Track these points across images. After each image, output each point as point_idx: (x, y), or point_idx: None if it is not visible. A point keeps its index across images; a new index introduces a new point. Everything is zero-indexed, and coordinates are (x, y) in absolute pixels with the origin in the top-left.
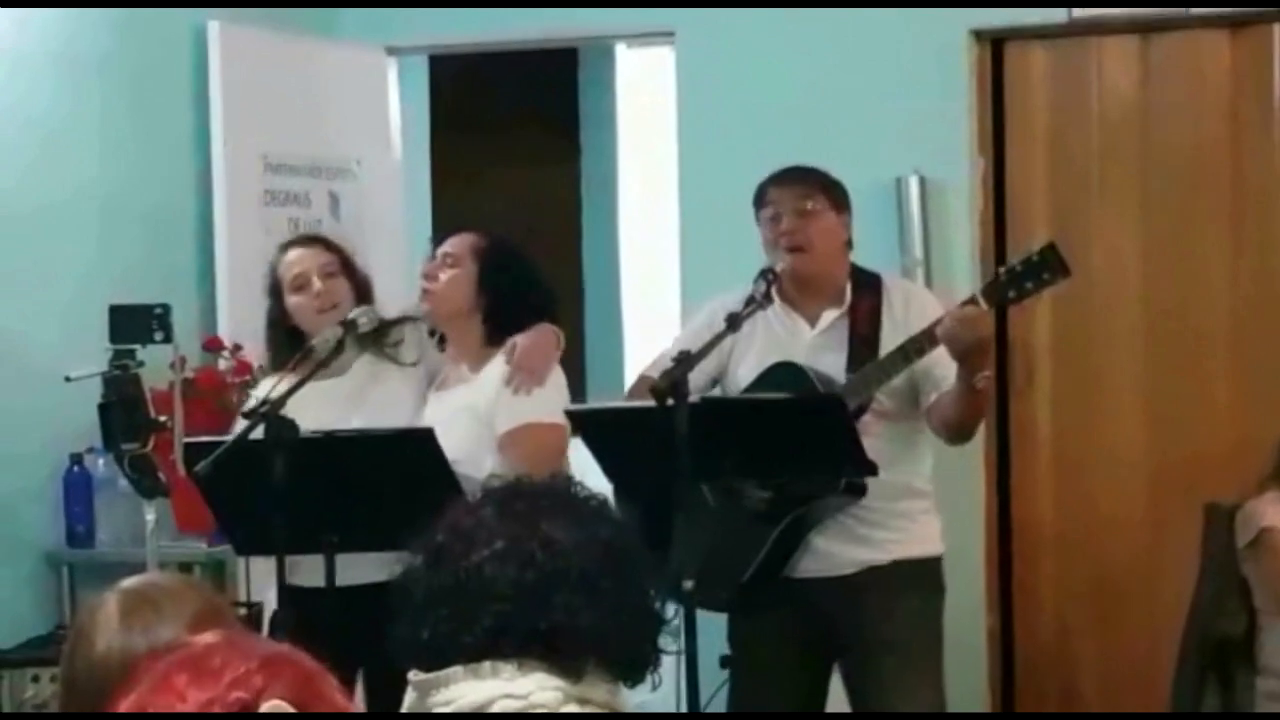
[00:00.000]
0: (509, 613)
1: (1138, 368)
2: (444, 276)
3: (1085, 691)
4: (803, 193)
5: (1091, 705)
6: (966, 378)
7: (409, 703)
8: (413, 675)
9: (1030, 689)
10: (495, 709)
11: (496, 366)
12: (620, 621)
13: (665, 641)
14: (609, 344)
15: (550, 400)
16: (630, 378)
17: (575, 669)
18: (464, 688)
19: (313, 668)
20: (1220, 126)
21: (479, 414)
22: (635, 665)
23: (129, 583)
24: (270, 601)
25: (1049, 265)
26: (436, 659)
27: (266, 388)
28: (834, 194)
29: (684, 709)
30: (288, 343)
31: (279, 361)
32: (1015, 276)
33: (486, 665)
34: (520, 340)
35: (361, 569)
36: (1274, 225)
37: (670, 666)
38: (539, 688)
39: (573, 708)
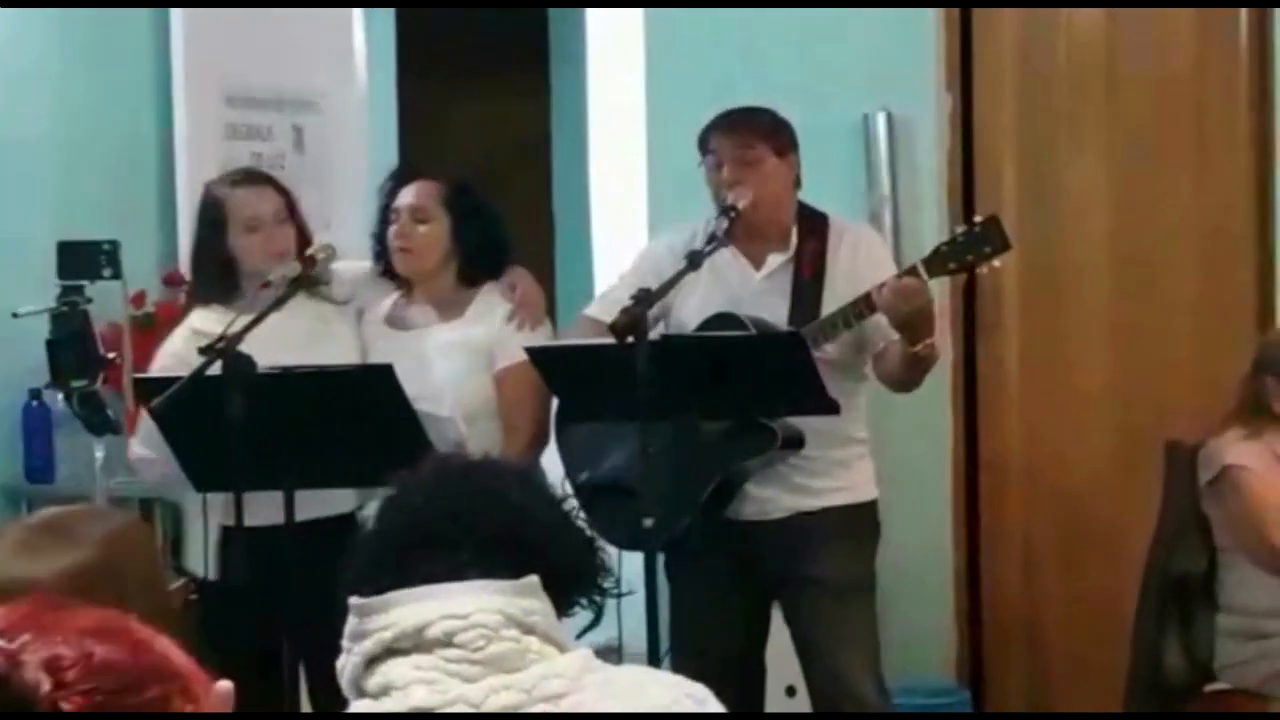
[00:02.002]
0: (441, 527)
1: (1105, 307)
2: (419, 233)
3: (1051, 629)
4: (744, 140)
5: (1057, 643)
6: (908, 344)
7: (349, 628)
8: (353, 600)
9: (996, 626)
10: (434, 631)
11: (488, 305)
12: (556, 539)
13: (607, 578)
14: (579, 279)
15: (549, 336)
16: None
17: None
18: (403, 611)
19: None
20: (1186, 65)
21: (472, 348)
22: (574, 587)
23: (38, 513)
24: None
25: (990, 237)
26: (374, 580)
27: (201, 319)
28: (778, 137)
29: (645, 649)
30: (222, 277)
31: (209, 295)
32: (957, 248)
33: (424, 587)
34: (520, 280)
35: (318, 504)
36: (1240, 164)
37: (631, 605)
38: (479, 607)
39: (514, 633)
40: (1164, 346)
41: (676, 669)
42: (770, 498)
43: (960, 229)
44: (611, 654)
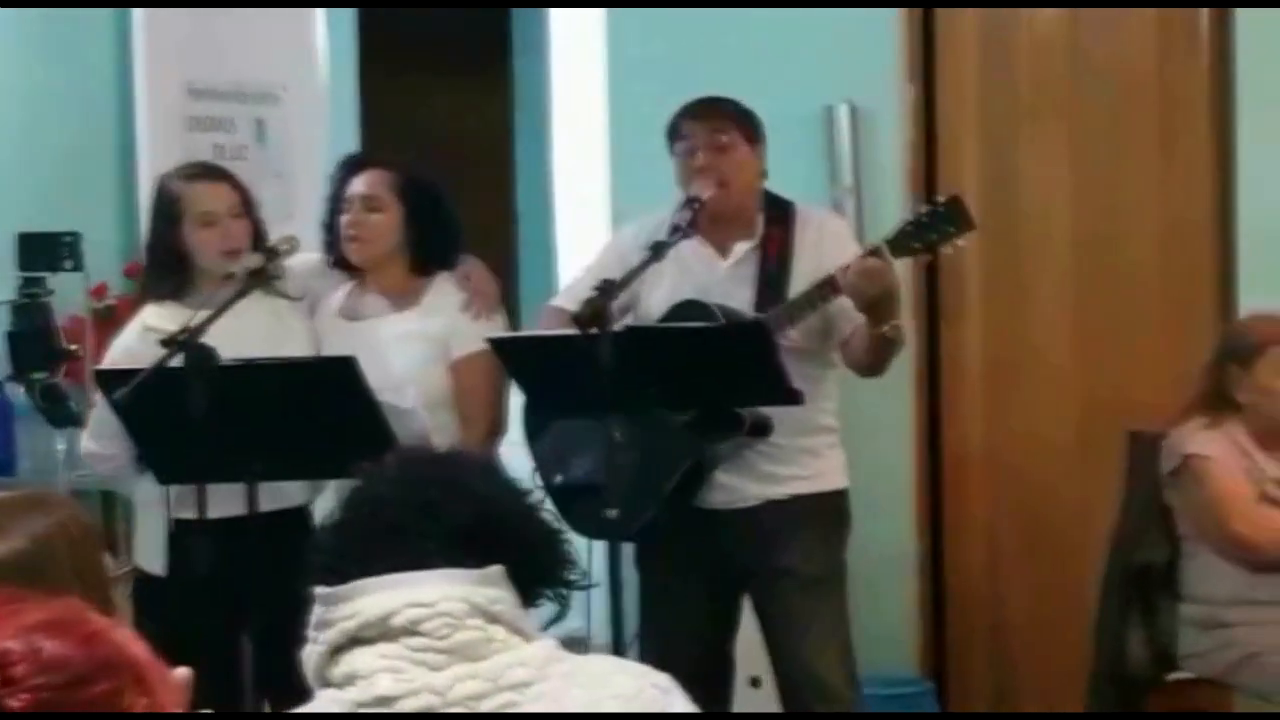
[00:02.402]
0: (405, 518)
1: (1068, 294)
2: (371, 222)
3: (1014, 617)
4: (717, 126)
5: (1020, 631)
6: (873, 326)
7: (314, 618)
8: (318, 589)
9: (959, 614)
10: (399, 619)
11: (443, 295)
12: (522, 531)
13: (572, 570)
14: (542, 271)
15: (502, 328)
16: None
17: (480, 574)
18: (368, 600)
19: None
20: (1148, 56)
21: (428, 339)
22: (539, 578)
23: None
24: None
25: (954, 217)
26: (339, 571)
27: (154, 315)
28: (747, 125)
29: (611, 638)
30: (175, 271)
31: (162, 290)
32: (920, 227)
33: (389, 576)
34: (473, 269)
35: (269, 498)
36: (1201, 154)
37: (599, 596)
38: (444, 596)
39: (479, 622)
40: (1126, 336)
41: (645, 659)
42: (739, 486)
43: (924, 208)
44: (579, 645)
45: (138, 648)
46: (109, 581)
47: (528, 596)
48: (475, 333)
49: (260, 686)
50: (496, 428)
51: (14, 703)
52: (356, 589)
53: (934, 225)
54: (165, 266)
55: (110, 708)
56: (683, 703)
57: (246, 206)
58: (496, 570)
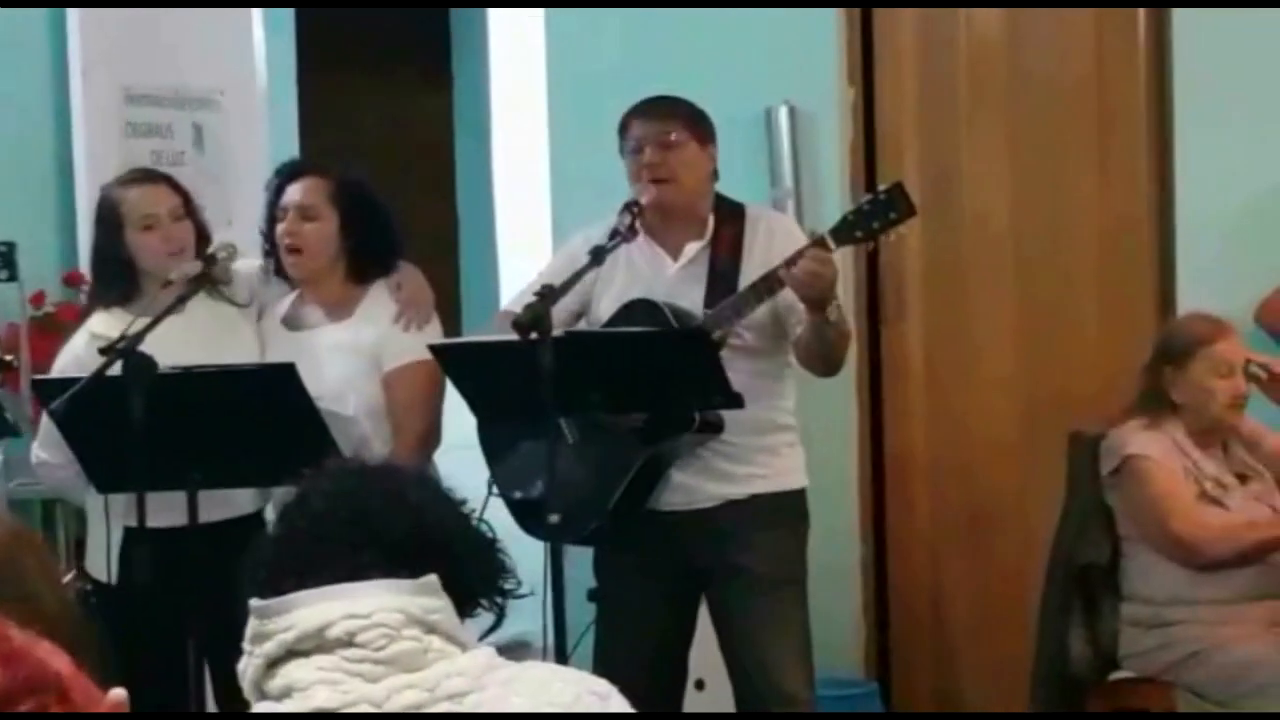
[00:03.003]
0: (342, 531)
1: (1008, 296)
2: (306, 231)
3: (957, 617)
4: (665, 125)
5: (964, 631)
6: (815, 314)
7: (250, 630)
8: (253, 602)
9: (903, 615)
10: (336, 631)
11: (377, 305)
12: (457, 541)
13: (508, 579)
14: (484, 278)
15: (436, 337)
16: None
17: (415, 584)
18: (304, 612)
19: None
20: (1086, 56)
21: (361, 350)
22: (475, 588)
23: None
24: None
25: (895, 204)
26: (276, 584)
27: (101, 323)
28: (698, 125)
29: (552, 643)
30: (121, 278)
31: (109, 297)
32: (862, 216)
33: (325, 588)
34: (406, 278)
35: (222, 505)
36: (1140, 153)
37: (536, 600)
38: (380, 606)
39: (415, 632)
40: (1066, 336)
41: (603, 665)
42: (697, 487)
43: (865, 197)
44: (525, 649)
45: (60, 662)
46: (64, 598)
47: (464, 606)
48: (406, 344)
49: (216, 693)
50: (428, 440)
51: None
52: (292, 601)
53: (876, 213)
54: (111, 274)
55: None
56: (620, 708)
57: (188, 209)
58: (432, 580)
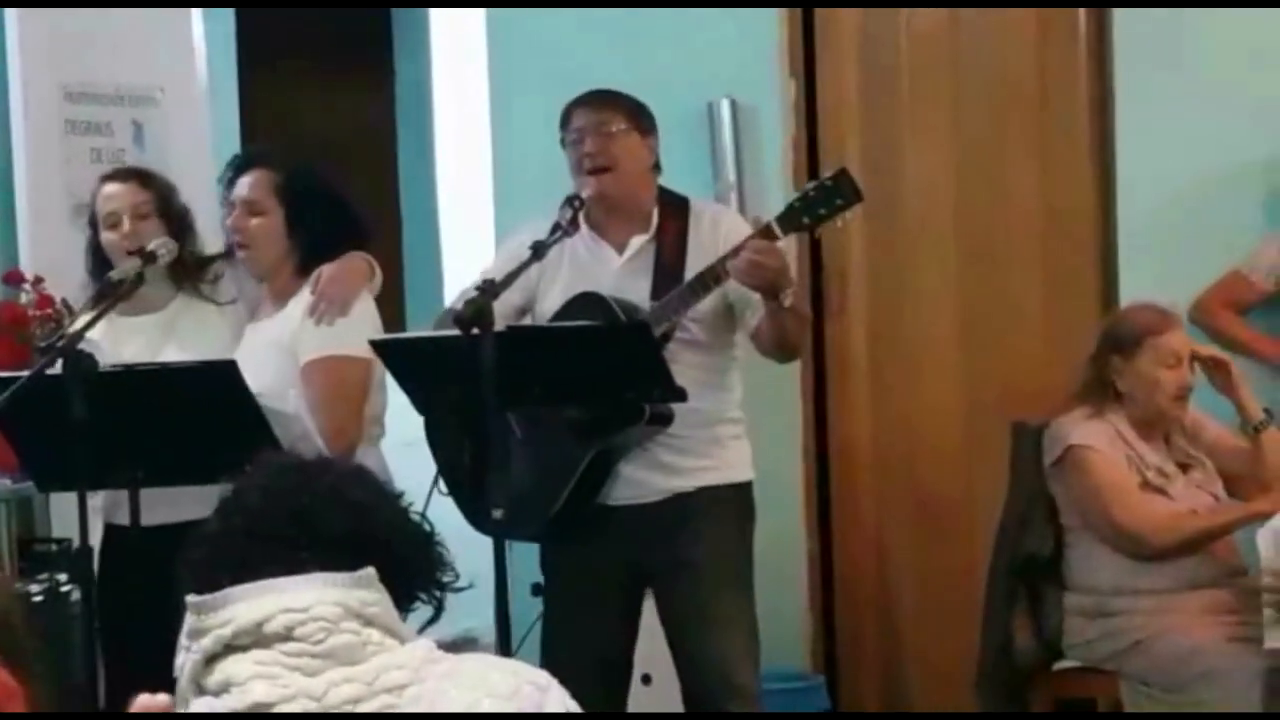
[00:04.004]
0: (278, 526)
1: (950, 289)
2: (252, 227)
3: (903, 610)
4: (606, 115)
5: (910, 623)
6: (771, 300)
7: (187, 626)
8: (190, 598)
9: (849, 608)
10: (273, 625)
11: (303, 298)
12: (395, 535)
13: (446, 572)
14: (427, 271)
15: (354, 331)
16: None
17: (352, 577)
18: (241, 607)
19: None
20: (1028, 48)
21: (284, 346)
22: (413, 581)
23: None
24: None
25: (841, 190)
26: (213, 580)
27: (84, 323)
28: (638, 117)
29: (497, 638)
30: (103, 275)
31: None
32: (810, 203)
33: (262, 582)
34: (325, 269)
35: (179, 507)
36: (1079, 147)
37: (484, 596)
38: (318, 600)
39: (354, 625)
40: (1009, 328)
41: (548, 659)
42: (644, 480)
43: (811, 184)
44: (470, 645)
45: None
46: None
47: (402, 600)
48: (314, 338)
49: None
50: (341, 436)
51: None
52: (229, 596)
53: (823, 199)
54: (98, 272)
55: None
56: (560, 699)
57: (162, 206)
58: (369, 573)
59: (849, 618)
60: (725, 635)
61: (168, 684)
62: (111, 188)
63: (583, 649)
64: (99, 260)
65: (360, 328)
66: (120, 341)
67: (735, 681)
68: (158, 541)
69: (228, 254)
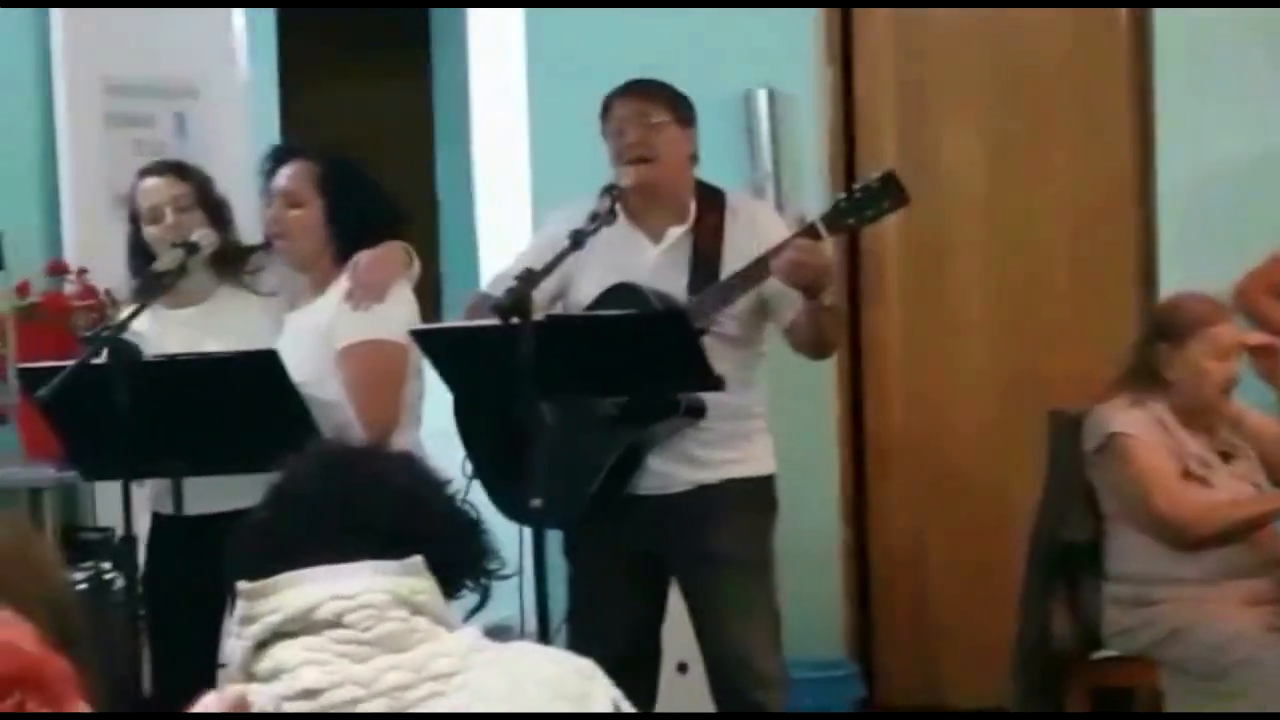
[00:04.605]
0: (327, 515)
1: (986, 277)
2: (291, 218)
3: (939, 597)
4: (647, 105)
5: (945, 611)
6: (812, 300)
7: (238, 613)
8: (241, 585)
9: (885, 596)
10: (323, 612)
11: (341, 285)
12: (443, 524)
13: (493, 560)
14: (465, 265)
15: (391, 317)
16: None
17: (401, 565)
18: (291, 594)
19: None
20: (1066, 36)
21: (322, 333)
22: (460, 570)
23: None
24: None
25: (889, 193)
26: (262, 568)
27: (128, 313)
28: (679, 107)
29: (533, 628)
30: (147, 268)
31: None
32: (855, 204)
33: (312, 569)
34: (362, 256)
35: (227, 496)
36: (1115, 135)
37: (527, 584)
38: (366, 588)
39: (402, 613)
40: (1046, 316)
41: (575, 646)
42: (670, 472)
43: (858, 185)
44: (507, 632)
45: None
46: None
47: (449, 587)
48: (351, 324)
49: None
50: (379, 422)
51: None
52: (279, 583)
53: (868, 201)
54: (139, 266)
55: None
56: (605, 688)
57: (202, 198)
58: (418, 560)
59: (884, 606)
60: (748, 624)
61: (211, 673)
62: (151, 182)
63: (610, 634)
64: (141, 255)
65: (397, 314)
66: (165, 334)
67: (759, 669)
68: (205, 530)
69: (267, 245)
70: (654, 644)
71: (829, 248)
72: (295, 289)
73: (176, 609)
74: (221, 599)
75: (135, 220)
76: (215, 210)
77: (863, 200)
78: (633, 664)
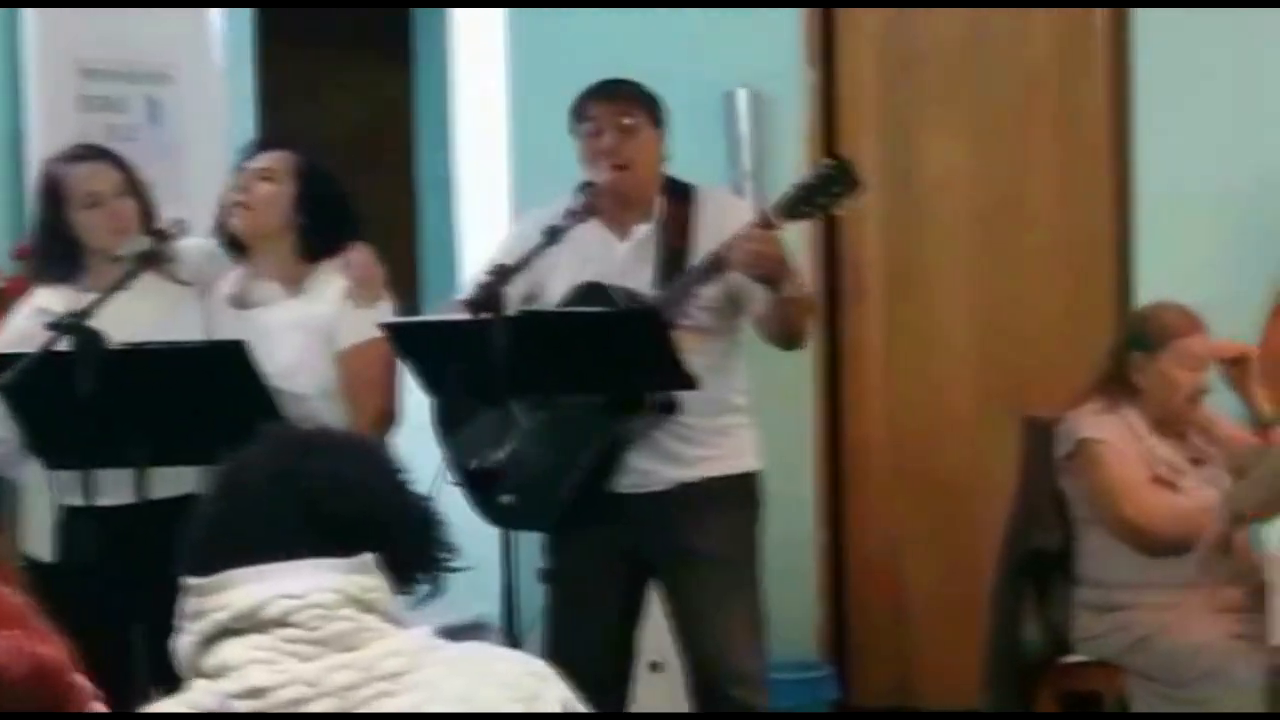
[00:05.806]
0: (278, 507)
1: (967, 280)
2: (261, 190)
3: (914, 600)
4: (623, 108)
5: (920, 613)
6: (775, 291)
7: (186, 608)
8: (189, 580)
9: (860, 598)
10: (270, 611)
11: (328, 282)
12: (397, 517)
13: (446, 551)
14: (443, 259)
15: (389, 314)
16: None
17: (351, 562)
18: (238, 591)
19: None
20: (1048, 40)
21: (312, 328)
22: (415, 563)
23: None
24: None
25: (840, 179)
26: (212, 562)
27: (46, 298)
28: (652, 109)
29: (505, 624)
30: (66, 255)
31: (52, 274)
32: (808, 191)
33: (260, 567)
34: (355, 255)
35: (172, 481)
36: (1100, 138)
37: (494, 580)
38: (315, 586)
39: (350, 611)
40: (1025, 321)
41: (553, 645)
42: (650, 469)
43: (809, 172)
44: (482, 630)
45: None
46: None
47: (403, 581)
48: (360, 321)
49: (153, 677)
50: (386, 417)
51: None
52: (227, 580)
53: (822, 187)
54: (54, 251)
55: None
56: (559, 690)
57: (133, 185)
58: (367, 558)
59: (860, 608)
60: (728, 623)
61: (124, 665)
62: (88, 168)
63: (587, 633)
64: (61, 241)
65: (390, 312)
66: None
67: (739, 668)
68: (115, 520)
69: (219, 229)
70: (630, 643)
71: (797, 238)
72: (245, 285)
73: (88, 602)
74: (134, 588)
75: (58, 203)
76: (144, 198)
77: (815, 187)
78: (609, 664)
